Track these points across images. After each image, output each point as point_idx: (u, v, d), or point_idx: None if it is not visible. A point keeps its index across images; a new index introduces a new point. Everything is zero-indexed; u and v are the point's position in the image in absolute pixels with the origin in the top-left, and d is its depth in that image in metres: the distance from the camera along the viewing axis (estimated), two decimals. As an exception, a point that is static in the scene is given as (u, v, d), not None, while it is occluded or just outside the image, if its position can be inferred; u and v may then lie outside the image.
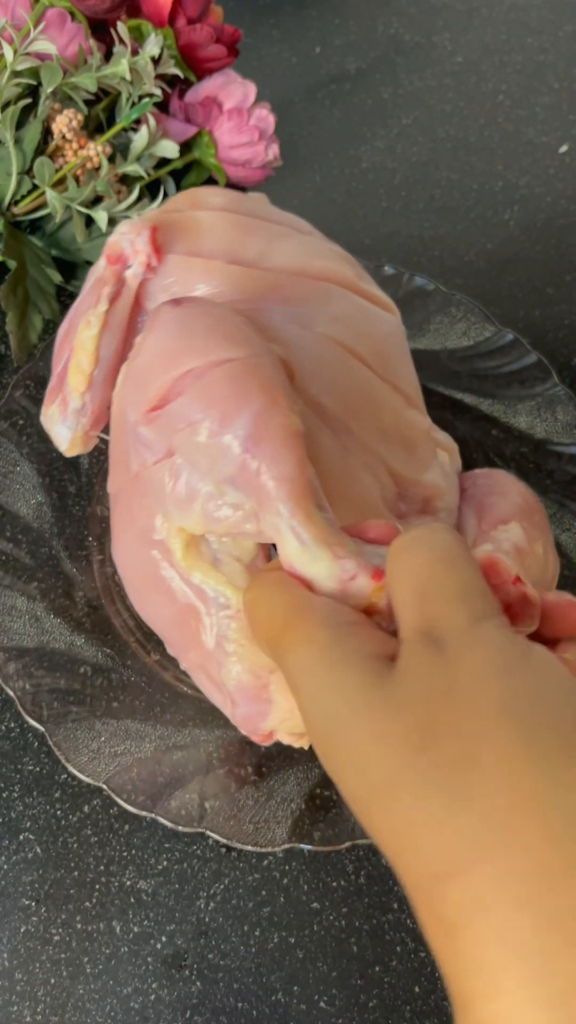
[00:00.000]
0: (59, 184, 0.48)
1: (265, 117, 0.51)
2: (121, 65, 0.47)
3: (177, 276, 0.34)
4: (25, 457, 0.44)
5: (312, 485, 0.27)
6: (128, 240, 0.33)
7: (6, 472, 0.43)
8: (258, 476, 0.26)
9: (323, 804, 0.36)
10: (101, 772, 0.36)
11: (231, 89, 0.51)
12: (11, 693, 0.37)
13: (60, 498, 0.43)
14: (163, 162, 0.53)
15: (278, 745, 0.37)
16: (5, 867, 0.37)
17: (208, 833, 0.35)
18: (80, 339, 0.33)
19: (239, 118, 0.51)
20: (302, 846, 0.35)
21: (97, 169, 0.48)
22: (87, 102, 0.50)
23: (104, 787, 0.35)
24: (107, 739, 0.37)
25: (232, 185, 0.55)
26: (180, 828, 0.35)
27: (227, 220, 0.35)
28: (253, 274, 0.34)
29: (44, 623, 0.40)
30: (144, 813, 0.35)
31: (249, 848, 0.35)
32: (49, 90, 0.46)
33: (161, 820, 0.35)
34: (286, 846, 0.35)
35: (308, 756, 0.37)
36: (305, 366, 0.32)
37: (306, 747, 0.31)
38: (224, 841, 0.35)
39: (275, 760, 0.37)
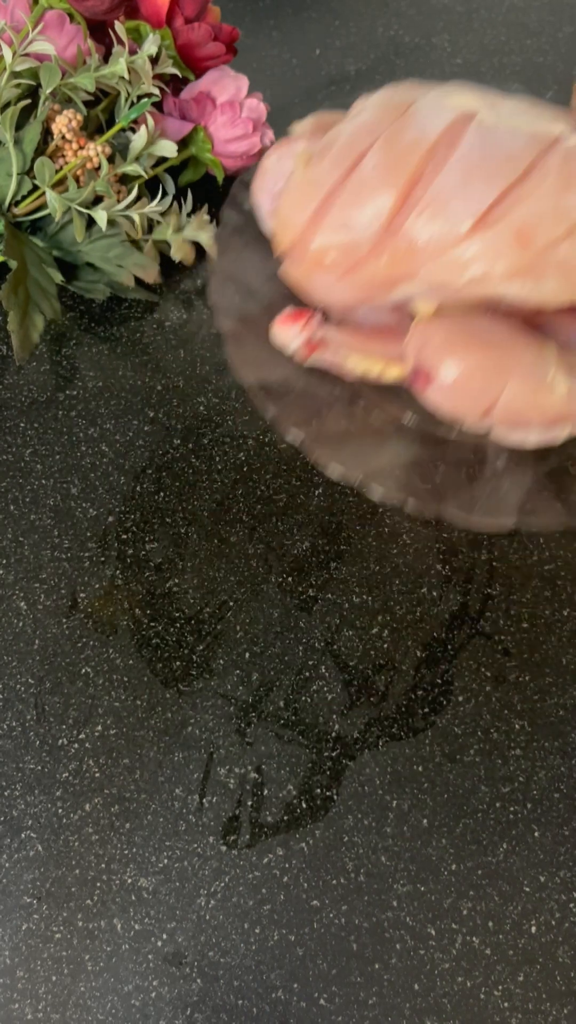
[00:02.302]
0: (59, 184, 0.48)
1: (256, 106, 0.52)
2: (119, 65, 0.47)
3: None
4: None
5: None
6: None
7: (7, 472, 0.43)
8: None
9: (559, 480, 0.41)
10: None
11: (224, 83, 0.51)
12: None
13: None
14: (161, 160, 0.53)
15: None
16: (7, 865, 0.37)
17: (444, 514, 0.40)
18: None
19: (232, 111, 0.51)
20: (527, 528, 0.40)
21: (97, 169, 0.48)
22: (86, 103, 0.50)
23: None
24: None
25: (230, 178, 0.55)
26: (415, 509, 0.40)
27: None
28: None
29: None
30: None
31: (475, 526, 0.40)
32: (48, 91, 0.46)
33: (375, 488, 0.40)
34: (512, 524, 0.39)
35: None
36: None
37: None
38: (457, 517, 0.39)
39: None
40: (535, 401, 0.40)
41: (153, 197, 0.50)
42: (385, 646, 0.40)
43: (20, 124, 0.47)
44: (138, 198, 0.49)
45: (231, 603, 0.41)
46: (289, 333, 0.43)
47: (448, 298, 0.42)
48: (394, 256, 0.41)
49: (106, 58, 0.51)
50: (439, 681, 0.40)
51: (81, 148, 0.48)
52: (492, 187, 0.39)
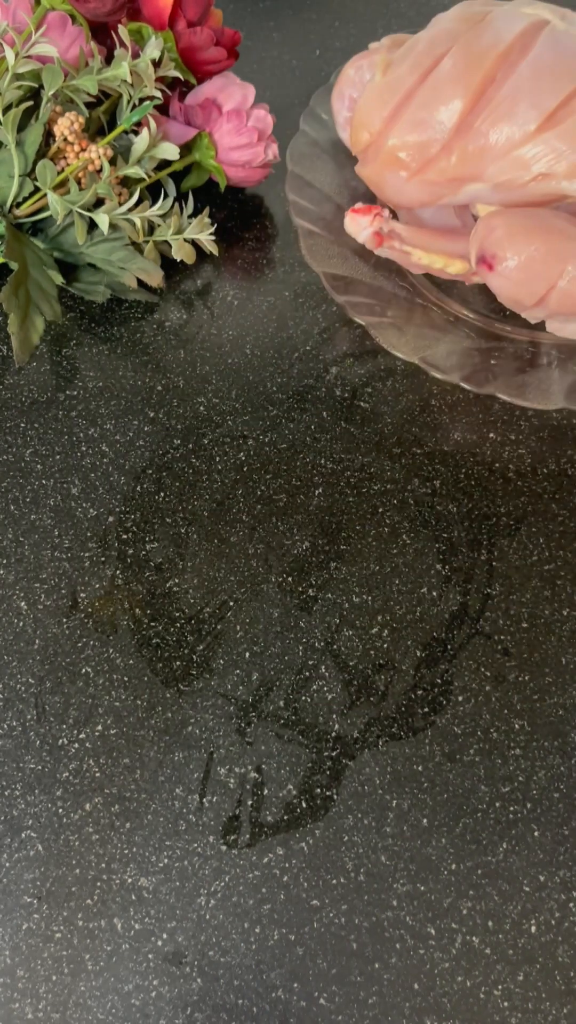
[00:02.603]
0: (61, 187, 0.48)
1: (263, 117, 0.52)
2: (122, 68, 0.47)
3: None
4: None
5: None
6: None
7: (8, 472, 0.43)
8: None
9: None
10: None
11: (230, 91, 0.52)
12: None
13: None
14: (163, 164, 0.53)
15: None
16: (7, 865, 0.37)
17: (496, 393, 0.43)
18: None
19: (238, 120, 0.51)
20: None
21: (98, 172, 0.48)
22: (88, 105, 0.50)
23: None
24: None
25: (232, 186, 0.55)
26: (470, 387, 0.43)
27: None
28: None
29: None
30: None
31: (527, 405, 0.42)
32: (50, 93, 0.47)
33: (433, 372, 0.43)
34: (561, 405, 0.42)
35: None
36: None
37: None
38: (508, 399, 0.42)
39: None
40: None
41: (155, 200, 0.50)
42: (385, 646, 0.41)
43: (22, 126, 0.47)
44: (139, 201, 0.49)
45: (231, 603, 0.42)
46: (360, 223, 0.46)
47: (512, 199, 0.44)
48: (463, 155, 0.43)
49: (108, 60, 0.51)
50: (439, 681, 0.40)
51: (83, 150, 0.48)
52: (560, 88, 0.41)
